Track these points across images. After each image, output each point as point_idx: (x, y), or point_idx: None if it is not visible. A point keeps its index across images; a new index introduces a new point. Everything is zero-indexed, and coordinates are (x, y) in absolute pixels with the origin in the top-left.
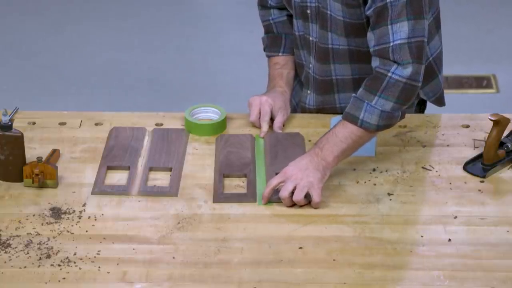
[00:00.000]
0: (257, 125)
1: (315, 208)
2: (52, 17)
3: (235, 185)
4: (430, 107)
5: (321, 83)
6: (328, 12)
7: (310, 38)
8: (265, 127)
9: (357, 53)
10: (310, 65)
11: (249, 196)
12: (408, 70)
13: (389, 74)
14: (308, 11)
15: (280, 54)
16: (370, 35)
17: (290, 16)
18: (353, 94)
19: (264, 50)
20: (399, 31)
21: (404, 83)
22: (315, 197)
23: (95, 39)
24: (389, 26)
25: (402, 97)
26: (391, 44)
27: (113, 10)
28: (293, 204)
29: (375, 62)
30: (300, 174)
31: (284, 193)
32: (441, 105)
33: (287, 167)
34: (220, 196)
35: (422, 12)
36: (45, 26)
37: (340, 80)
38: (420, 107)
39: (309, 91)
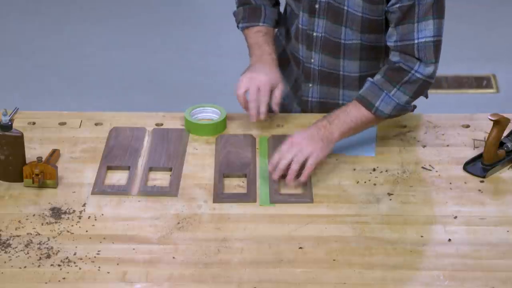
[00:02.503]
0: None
1: (302, 179)
2: (52, 17)
3: (235, 185)
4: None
5: (327, 75)
6: (345, 7)
7: (314, 34)
8: (265, 107)
9: (368, 49)
10: (312, 60)
11: (249, 196)
12: (430, 69)
13: (412, 72)
14: (317, 6)
15: (260, 24)
16: (391, 31)
17: None
18: (370, 79)
19: (239, 23)
20: (425, 29)
21: (423, 80)
22: (309, 165)
23: (95, 39)
24: (416, 24)
25: (417, 93)
26: (416, 41)
27: (113, 10)
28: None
29: (395, 57)
30: (305, 142)
31: (289, 156)
32: (426, 96)
33: (294, 136)
34: (220, 196)
35: (443, 12)
36: (45, 26)
37: (347, 76)
38: None
39: (310, 84)
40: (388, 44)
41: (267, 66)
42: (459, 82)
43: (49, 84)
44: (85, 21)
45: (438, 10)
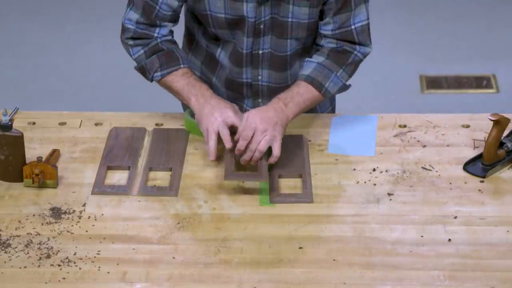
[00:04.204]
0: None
1: (273, 162)
2: (52, 17)
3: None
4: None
5: (278, 89)
6: (289, 19)
7: (260, 52)
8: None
9: (307, 50)
10: (259, 77)
11: (260, 176)
12: (368, 50)
13: (355, 53)
14: (262, 26)
15: (182, 66)
16: (328, 20)
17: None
18: (313, 60)
19: (157, 72)
20: (359, 14)
21: (361, 60)
22: (276, 151)
23: (95, 39)
24: (352, 11)
25: (354, 72)
26: (353, 27)
27: (113, 10)
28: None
29: (332, 44)
30: (269, 127)
31: (254, 145)
32: None
33: (255, 119)
34: (231, 175)
35: None
36: (45, 26)
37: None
38: None
39: (260, 100)
40: (324, 32)
41: (216, 99)
42: (459, 82)
43: (49, 84)
44: (85, 21)
45: None
